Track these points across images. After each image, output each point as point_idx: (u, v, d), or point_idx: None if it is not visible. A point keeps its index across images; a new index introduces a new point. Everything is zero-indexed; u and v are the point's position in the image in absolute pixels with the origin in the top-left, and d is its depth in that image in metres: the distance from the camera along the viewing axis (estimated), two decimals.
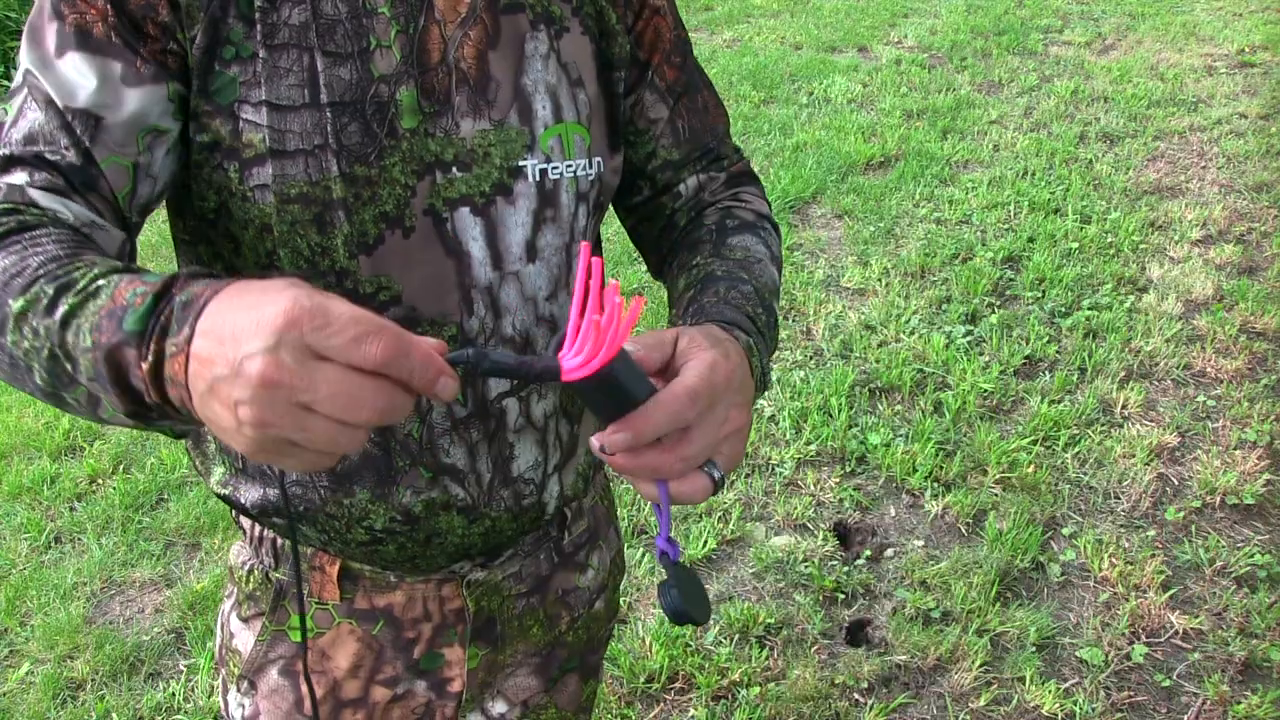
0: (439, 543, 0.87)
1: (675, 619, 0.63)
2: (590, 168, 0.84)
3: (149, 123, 0.70)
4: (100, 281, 0.58)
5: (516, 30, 0.79)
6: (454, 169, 0.77)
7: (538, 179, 0.80)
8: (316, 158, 0.74)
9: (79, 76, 0.68)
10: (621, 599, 2.23)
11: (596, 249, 0.94)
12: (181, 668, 2.14)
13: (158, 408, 0.55)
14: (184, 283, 0.55)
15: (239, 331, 0.49)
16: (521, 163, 0.80)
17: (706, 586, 2.28)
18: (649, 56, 0.88)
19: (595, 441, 0.59)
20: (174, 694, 2.07)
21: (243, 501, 0.88)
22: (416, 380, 0.51)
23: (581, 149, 0.83)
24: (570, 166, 0.82)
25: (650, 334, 0.62)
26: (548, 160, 0.81)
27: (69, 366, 0.57)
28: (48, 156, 0.68)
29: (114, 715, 2.03)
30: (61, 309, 0.57)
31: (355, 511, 0.84)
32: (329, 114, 0.74)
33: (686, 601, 0.62)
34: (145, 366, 0.53)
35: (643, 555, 2.35)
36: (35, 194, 0.66)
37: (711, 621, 2.17)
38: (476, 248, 0.79)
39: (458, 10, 0.77)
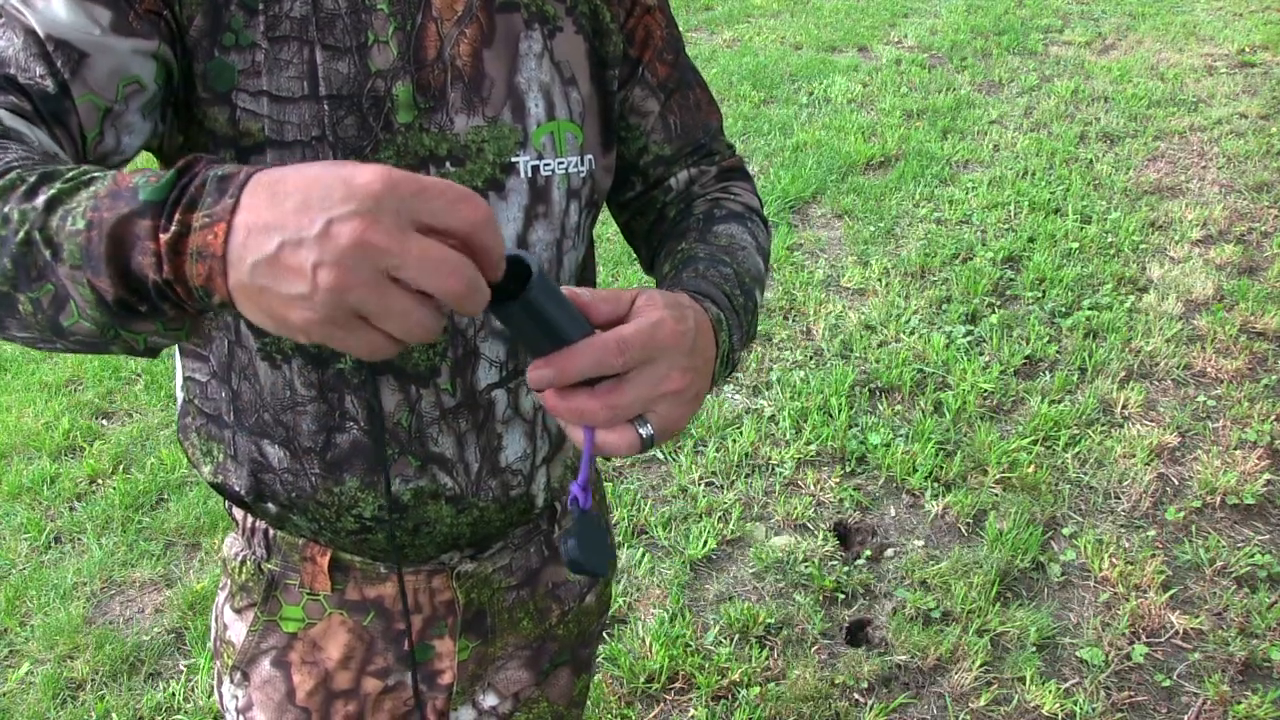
0: (428, 532, 0.88)
1: (570, 567, 0.62)
2: (582, 165, 0.85)
3: (132, 72, 0.69)
4: (95, 173, 0.54)
5: (511, 29, 0.80)
6: (447, 164, 0.78)
7: (529, 175, 0.81)
8: (313, 149, 0.75)
9: (66, 14, 0.67)
10: (621, 598, 2.23)
11: (591, 249, 0.94)
12: (181, 668, 2.14)
13: (161, 290, 0.51)
14: (211, 163, 0.52)
15: (324, 193, 0.47)
16: (514, 159, 0.80)
17: (707, 586, 2.28)
18: (640, 54, 0.89)
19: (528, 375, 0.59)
20: (174, 694, 2.07)
21: (235, 488, 0.89)
22: (495, 250, 0.50)
23: (574, 146, 0.84)
24: (562, 164, 0.83)
25: (610, 289, 0.62)
26: (540, 157, 0.82)
27: (47, 254, 0.52)
28: (19, 80, 0.66)
29: (114, 715, 2.02)
30: (46, 193, 0.53)
31: (345, 499, 0.85)
32: (327, 107, 0.75)
33: (584, 551, 0.62)
34: (165, 238, 0.49)
35: (643, 555, 2.35)
36: (0, 112, 0.64)
37: (712, 621, 2.17)
38: None
39: (454, 9, 0.78)
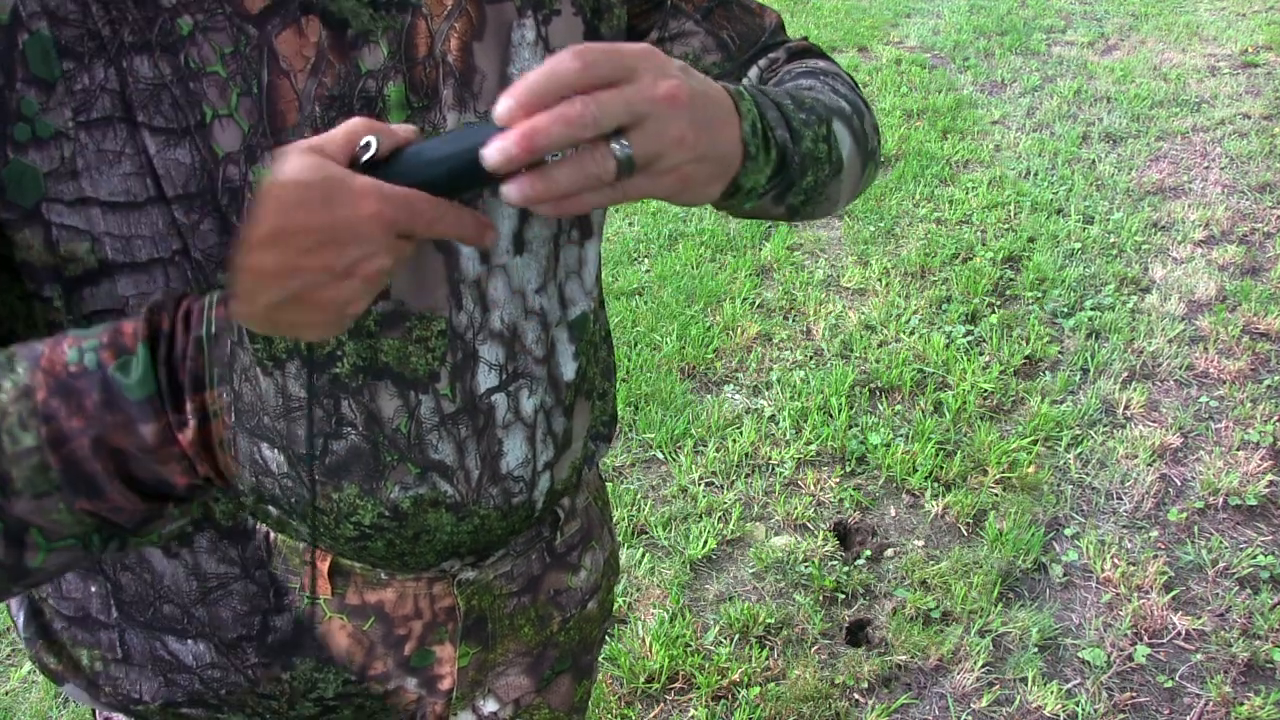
0: (427, 540, 0.86)
1: None
2: None
3: None
4: None
5: (502, 19, 0.75)
6: None
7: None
8: (179, 266, 0.58)
9: None
10: (621, 598, 2.23)
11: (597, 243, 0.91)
12: None
13: (201, 488, 0.45)
14: (179, 316, 0.44)
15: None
16: None
17: (707, 586, 2.27)
18: None
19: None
20: None
21: (239, 488, 0.84)
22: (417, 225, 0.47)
23: None
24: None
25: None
26: None
27: None
28: None
29: None
30: None
31: (344, 507, 0.83)
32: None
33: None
34: (187, 438, 0.43)
35: (642, 555, 2.35)
36: None
37: (712, 621, 2.17)
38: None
39: (443, 3, 0.72)
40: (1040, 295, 3.32)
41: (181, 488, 0.44)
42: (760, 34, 0.85)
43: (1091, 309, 3.24)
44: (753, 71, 0.84)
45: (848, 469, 2.60)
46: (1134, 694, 2.00)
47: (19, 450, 0.42)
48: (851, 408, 2.80)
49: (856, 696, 2.00)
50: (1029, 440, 2.66)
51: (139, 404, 0.42)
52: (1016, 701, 1.99)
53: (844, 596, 2.22)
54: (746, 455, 2.65)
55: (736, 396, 2.90)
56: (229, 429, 0.80)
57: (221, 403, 0.43)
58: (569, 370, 0.89)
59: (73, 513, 0.43)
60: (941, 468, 2.57)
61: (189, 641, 0.71)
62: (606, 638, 2.13)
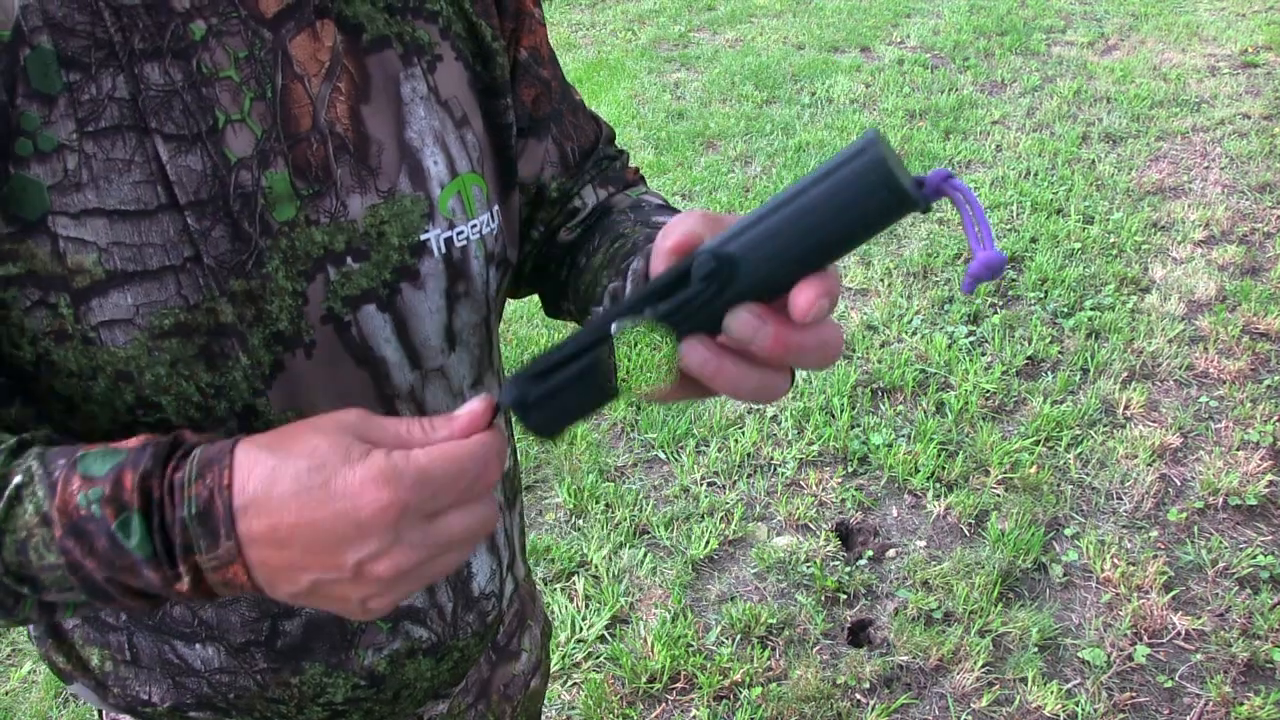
0: (409, 694, 0.78)
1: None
2: (494, 222, 0.71)
3: None
4: (17, 479, 0.50)
5: (388, 72, 0.65)
6: (348, 259, 0.63)
7: (444, 251, 0.67)
8: (190, 274, 0.58)
9: None
10: (623, 598, 2.24)
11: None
12: None
13: (199, 600, 0.51)
14: (165, 482, 0.48)
15: (335, 536, 0.46)
16: (423, 236, 0.66)
17: (709, 586, 2.28)
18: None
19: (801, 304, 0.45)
20: None
21: (143, 696, 0.75)
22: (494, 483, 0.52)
23: (482, 202, 0.70)
24: (474, 226, 0.69)
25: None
26: (451, 226, 0.67)
27: (23, 589, 0.51)
28: None
29: None
30: None
31: (308, 690, 0.73)
32: (190, 217, 0.58)
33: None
34: (183, 586, 0.48)
35: (645, 555, 2.35)
36: None
37: (714, 621, 2.17)
38: (390, 350, 0.67)
39: (319, 60, 0.61)
40: (1043, 295, 3.32)
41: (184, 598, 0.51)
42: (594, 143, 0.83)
43: (1091, 309, 3.24)
44: (588, 195, 0.80)
45: (850, 469, 2.60)
46: (1134, 694, 2.00)
47: (44, 564, 0.49)
48: (854, 408, 2.80)
49: (858, 697, 2.00)
50: (1031, 441, 2.67)
51: (144, 560, 0.48)
52: (1016, 701, 1.99)
53: (846, 597, 2.23)
54: (748, 455, 2.66)
55: None
56: (120, 630, 0.72)
57: (213, 560, 0.48)
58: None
59: (91, 604, 0.52)
60: (943, 468, 2.57)
61: (197, 645, 0.70)
62: (609, 636, 2.14)
